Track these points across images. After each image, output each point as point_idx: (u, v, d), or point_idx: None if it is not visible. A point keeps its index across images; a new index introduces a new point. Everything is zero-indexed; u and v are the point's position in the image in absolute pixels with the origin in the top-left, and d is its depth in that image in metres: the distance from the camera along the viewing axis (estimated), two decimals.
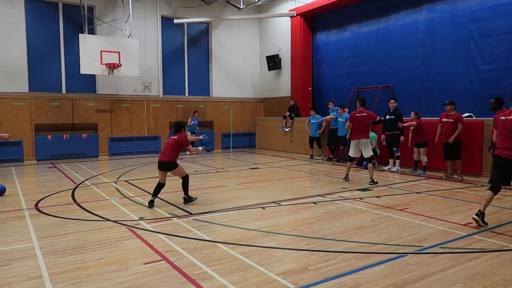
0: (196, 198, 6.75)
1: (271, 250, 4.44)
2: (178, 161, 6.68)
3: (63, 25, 13.83)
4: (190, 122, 14.67)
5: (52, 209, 6.39)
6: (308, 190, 8.12)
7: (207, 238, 4.85)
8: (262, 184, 8.69)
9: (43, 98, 13.26)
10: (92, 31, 13.84)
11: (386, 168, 10.58)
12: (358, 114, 8.68)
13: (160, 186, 6.57)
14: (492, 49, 10.01)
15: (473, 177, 9.16)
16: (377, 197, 7.19)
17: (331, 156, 12.85)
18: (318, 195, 7.34)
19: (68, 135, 13.61)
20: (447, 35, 11.03)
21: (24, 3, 12.92)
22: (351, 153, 8.86)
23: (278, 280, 3.62)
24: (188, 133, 14.38)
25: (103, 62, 12.84)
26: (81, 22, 13.35)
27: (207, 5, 15.98)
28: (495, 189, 5.32)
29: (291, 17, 15.68)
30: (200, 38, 16.77)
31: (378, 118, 9.09)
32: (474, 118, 9.80)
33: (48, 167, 11.57)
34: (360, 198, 7.09)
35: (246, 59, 17.54)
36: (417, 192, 7.61)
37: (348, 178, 8.85)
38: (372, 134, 10.44)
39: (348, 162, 9.00)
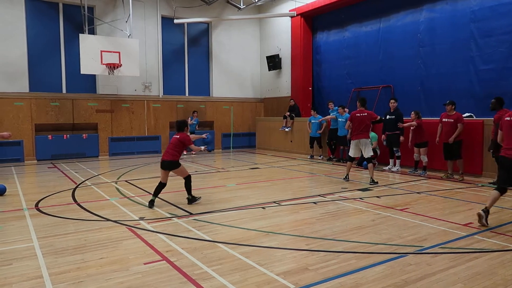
0: (200, 198, 6.75)
1: (271, 250, 4.44)
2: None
3: (63, 25, 13.83)
4: (190, 122, 14.67)
5: (52, 209, 6.39)
6: (308, 190, 8.12)
7: (207, 238, 4.85)
8: (262, 184, 8.69)
9: (43, 98, 13.26)
10: (92, 31, 13.85)
11: (387, 168, 10.58)
12: (359, 114, 8.68)
13: (161, 185, 6.57)
14: (492, 49, 10.01)
15: (473, 177, 9.16)
16: (377, 197, 7.19)
17: (331, 156, 12.85)
18: (318, 195, 7.34)
19: (68, 135, 13.62)
20: (447, 35, 11.03)
21: (24, 3, 12.92)
22: (351, 153, 8.86)
23: (278, 280, 3.62)
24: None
25: (103, 62, 12.85)
26: (81, 22, 13.36)
27: (207, 5, 15.98)
28: (501, 190, 5.33)
29: (291, 17, 15.68)
30: (200, 38, 16.77)
31: (379, 117, 9.08)
32: (475, 118, 9.80)
33: (48, 167, 11.58)
34: (360, 198, 7.09)
35: (246, 59, 17.54)
36: (418, 192, 7.61)
37: (348, 178, 8.85)
38: (372, 134, 10.44)
39: (348, 162, 8.99)
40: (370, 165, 8.64)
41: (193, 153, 14.58)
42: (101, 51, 12.82)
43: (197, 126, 15.01)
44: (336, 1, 13.69)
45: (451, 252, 4.34)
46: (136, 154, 14.69)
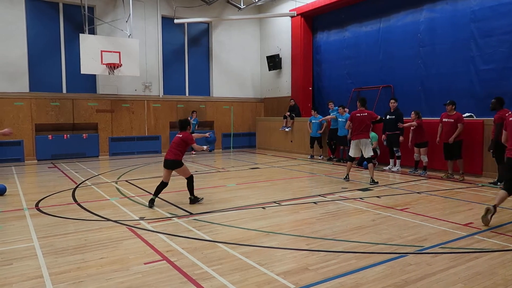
0: (202, 198, 6.74)
1: (271, 250, 4.44)
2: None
3: (63, 25, 13.84)
4: (192, 121, 14.67)
5: (52, 209, 6.39)
6: (308, 190, 8.12)
7: (208, 238, 4.85)
8: (263, 184, 8.69)
9: (43, 98, 13.27)
10: (92, 31, 13.85)
11: (387, 168, 10.57)
12: (359, 114, 8.68)
13: (163, 185, 6.56)
14: (493, 49, 10.01)
15: (473, 177, 9.16)
16: (377, 197, 7.19)
17: (331, 156, 12.85)
18: (319, 195, 7.34)
19: (68, 135, 13.62)
20: (448, 35, 11.02)
21: (24, 3, 12.92)
22: (352, 153, 8.85)
23: (279, 280, 3.62)
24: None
25: (103, 62, 12.85)
26: (81, 22, 13.36)
27: (208, 5, 15.98)
28: (508, 190, 5.33)
29: (292, 17, 15.68)
30: (201, 38, 16.77)
31: (379, 117, 9.08)
32: (475, 118, 9.80)
33: (48, 167, 11.58)
34: (360, 198, 7.08)
35: (247, 59, 17.54)
36: (418, 192, 7.60)
37: (348, 178, 8.85)
38: (372, 134, 10.44)
39: (348, 162, 8.99)
40: (370, 165, 8.64)
41: (193, 153, 14.58)
42: (101, 51, 12.83)
43: (196, 126, 15.01)
44: (336, 1, 13.69)
45: (451, 252, 4.34)
46: (136, 154, 14.69)
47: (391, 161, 10.56)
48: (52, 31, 13.68)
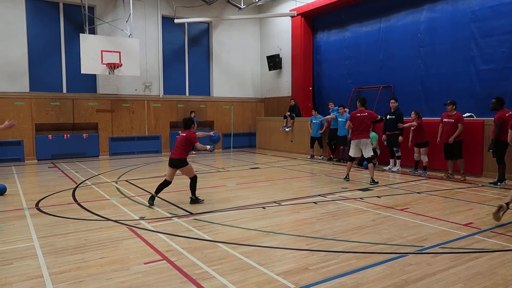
0: (202, 200, 6.73)
1: (271, 250, 4.44)
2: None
3: (63, 25, 13.84)
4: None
5: (52, 208, 6.39)
6: (308, 190, 8.12)
7: (208, 238, 4.85)
8: (263, 184, 8.69)
9: (43, 97, 13.27)
10: (92, 31, 13.85)
11: (387, 168, 10.57)
12: (359, 114, 8.68)
13: (165, 183, 6.56)
14: (493, 49, 10.00)
15: (474, 177, 9.15)
16: (377, 197, 7.19)
17: (331, 156, 12.85)
18: (319, 195, 7.34)
19: (68, 135, 13.62)
20: (448, 35, 11.02)
21: (25, 3, 12.92)
22: (352, 153, 8.85)
23: (279, 280, 3.62)
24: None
25: (103, 62, 12.85)
26: (81, 22, 13.37)
27: (208, 5, 15.98)
28: None
29: (292, 17, 15.68)
30: (201, 38, 16.77)
31: (379, 117, 9.07)
32: (475, 118, 9.79)
33: (48, 167, 11.58)
34: (360, 198, 7.08)
35: (247, 59, 17.54)
36: (418, 192, 7.60)
37: (348, 178, 8.85)
38: (372, 134, 10.43)
39: (348, 162, 8.99)
40: (370, 165, 8.63)
41: (193, 152, 14.57)
42: (102, 51, 12.83)
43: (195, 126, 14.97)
44: (336, 1, 13.68)
45: (452, 252, 4.34)
46: (136, 154, 14.70)
47: (391, 161, 10.56)
48: (52, 31, 13.68)
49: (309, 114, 15.05)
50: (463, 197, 7.20)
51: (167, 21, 15.49)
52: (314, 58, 15.81)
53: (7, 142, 12.65)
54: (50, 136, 13.30)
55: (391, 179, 9.20)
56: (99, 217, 5.83)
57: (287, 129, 15.08)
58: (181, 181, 7.78)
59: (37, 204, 6.68)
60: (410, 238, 4.82)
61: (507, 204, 5.30)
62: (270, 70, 16.86)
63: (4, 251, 4.42)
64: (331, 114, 12.71)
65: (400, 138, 9.99)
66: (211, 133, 7.48)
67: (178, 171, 6.59)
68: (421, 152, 9.68)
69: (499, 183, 8.17)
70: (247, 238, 4.85)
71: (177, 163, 6.50)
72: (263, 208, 6.38)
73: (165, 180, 6.58)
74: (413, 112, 9.79)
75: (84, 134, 13.86)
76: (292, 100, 15.21)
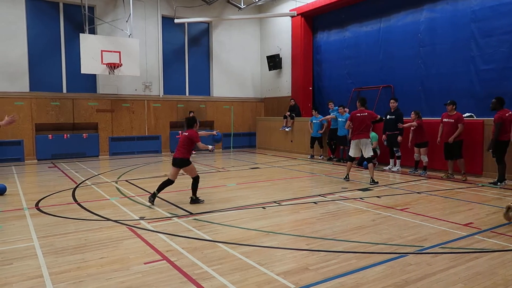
0: (203, 201, 6.73)
1: (271, 250, 4.44)
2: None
3: (63, 24, 13.84)
4: None
5: (52, 208, 6.39)
6: (308, 190, 8.11)
7: (208, 237, 4.85)
8: (263, 184, 8.69)
9: (43, 97, 13.27)
10: (92, 31, 13.85)
11: (387, 168, 10.57)
12: (359, 114, 8.67)
13: (168, 182, 6.58)
14: (493, 49, 10.00)
15: (474, 177, 9.15)
16: (377, 197, 7.19)
17: (331, 156, 12.85)
18: (319, 195, 7.34)
19: (68, 135, 13.62)
20: (448, 35, 11.02)
21: (25, 3, 12.92)
22: (352, 153, 8.85)
23: (279, 280, 3.62)
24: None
25: (103, 62, 12.85)
26: (81, 21, 13.36)
27: (208, 5, 15.98)
28: None
29: (292, 17, 15.68)
30: (201, 38, 16.77)
31: (379, 117, 9.07)
32: (475, 118, 9.79)
33: (48, 167, 11.58)
34: (360, 198, 7.08)
35: (247, 59, 17.54)
36: (418, 192, 7.60)
37: (348, 178, 8.85)
38: (372, 134, 10.43)
39: (348, 162, 8.99)
40: (370, 165, 8.63)
41: (193, 152, 14.55)
42: (102, 51, 12.82)
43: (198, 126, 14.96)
44: (336, 1, 13.68)
45: (452, 252, 4.34)
46: (136, 154, 14.69)
47: (391, 161, 10.56)
48: (52, 30, 13.68)
49: (309, 114, 15.05)
50: (463, 197, 7.20)
51: (167, 21, 15.49)
52: (314, 58, 15.81)
53: (7, 142, 12.65)
54: (50, 136, 13.30)
55: (391, 179, 9.20)
56: (99, 217, 5.83)
57: (287, 129, 15.08)
58: (181, 181, 7.77)
59: (37, 204, 6.68)
60: (410, 238, 4.82)
61: None
62: (270, 70, 16.86)
63: (4, 251, 4.42)
64: (331, 114, 12.71)
65: (399, 138, 9.99)
66: (214, 132, 7.48)
67: (181, 171, 6.60)
68: (421, 152, 9.67)
69: (499, 183, 8.18)
70: (247, 238, 4.85)
71: (180, 163, 6.52)
72: (263, 208, 6.38)
73: (168, 179, 6.60)
74: (412, 112, 9.79)
75: (84, 134, 13.86)
76: (292, 100, 15.21)
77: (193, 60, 16.56)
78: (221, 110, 16.89)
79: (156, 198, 6.59)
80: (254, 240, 4.77)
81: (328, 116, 12.84)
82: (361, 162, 10.59)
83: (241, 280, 3.61)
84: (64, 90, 13.90)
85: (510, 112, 8.09)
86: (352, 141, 8.97)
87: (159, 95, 15.42)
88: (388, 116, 10.27)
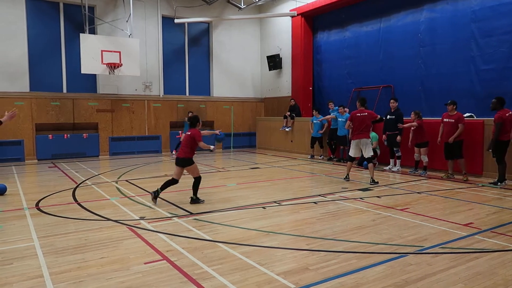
0: (203, 201, 6.73)
1: (271, 250, 4.44)
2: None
3: (64, 24, 13.84)
4: (186, 121, 14.58)
5: (53, 208, 6.39)
6: (308, 190, 8.11)
7: (208, 237, 4.85)
8: (263, 184, 8.69)
9: (44, 97, 13.27)
10: (93, 31, 13.85)
11: (387, 168, 10.57)
12: (359, 114, 8.67)
13: (172, 181, 6.61)
14: (493, 49, 10.00)
15: (474, 177, 9.15)
16: (377, 197, 7.19)
17: (331, 156, 12.85)
18: (319, 195, 7.34)
19: (68, 135, 13.62)
20: (448, 35, 11.02)
21: (25, 3, 12.93)
22: (352, 153, 8.85)
23: (279, 280, 3.62)
24: (183, 135, 14.34)
25: (104, 62, 12.85)
26: (82, 21, 13.37)
27: (208, 5, 15.98)
28: None
29: (292, 17, 15.68)
30: (201, 38, 16.78)
31: (379, 116, 9.07)
32: (475, 118, 9.79)
33: (49, 167, 11.58)
34: (360, 198, 7.08)
35: (247, 59, 17.54)
36: (418, 192, 7.60)
37: (348, 178, 8.85)
38: (372, 134, 10.43)
39: (348, 162, 8.99)
40: (370, 165, 8.63)
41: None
42: (102, 51, 12.83)
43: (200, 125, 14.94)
44: (336, 1, 13.68)
45: (452, 252, 4.34)
46: (136, 154, 14.70)
47: (391, 161, 10.56)
48: (52, 30, 13.68)
49: (309, 114, 15.06)
50: (463, 197, 7.20)
51: (167, 21, 15.49)
52: (314, 58, 15.81)
53: (8, 142, 12.65)
54: (50, 136, 13.30)
55: (391, 179, 9.20)
56: (99, 217, 5.83)
57: (287, 129, 15.08)
58: (181, 181, 7.75)
59: (37, 204, 6.68)
60: (410, 238, 4.82)
61: None
62: (270, 70, 16.86)
63: (4, 251, 4.42)
64: (331, 114, 12.71)
65: (398, 138, 9.99)
66: (217, 131, 7.48)
67: (185, 170, 6.62)
68: (421, 152, 9.67)
69: (499, 183, 8.17)
70: (247, 238, 4.85)
71: (183, 162, 6.54)
72: (263, 208, 6.38)
73: (173, 178, 6.63)
74: (412, 113, 9.79)
75: (84, 134, 13.86)
76: (292, 100, 15.21)
77: (193, 60, 16.56)
78: (221, 110, 16.89)
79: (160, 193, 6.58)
80: (254, 240, 4.77)
81: (328, 116, 12.84)
82: (361, 162, 10.59)
83: (241, 280, 3.61)
84: (64, 90, 13.90)
85: (510, 112, 8.09)
86: (352, 141, 8.97)
87: (159, 95, 15.42)
88: (388, 116, 10.26)
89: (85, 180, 9.09)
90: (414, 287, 3.48)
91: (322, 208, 6.34)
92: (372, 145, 9.91)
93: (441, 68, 11.21)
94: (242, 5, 15.73)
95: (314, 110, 13.54)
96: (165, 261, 4.08)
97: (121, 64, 13.08)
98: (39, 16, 13.44)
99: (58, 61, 13.80)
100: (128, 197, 7.23)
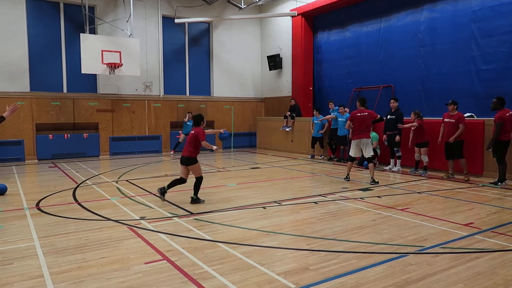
0: (203, 201, 6.73)
1: (272, 249, 4.44)
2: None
3: (64, 24, 13.85)
4: (186, 121, 14.55)
5: (53, 208, 6.39)
6: (309, 190, 8.11)
7: (208, 237, 4.85)
8: (263, 184, 8.69)
9: (44, 97, 13.27)
10: (93, 31, 13.85)
11: (387, 168, 10.57)
12: (359, 114, 8.67)
13: (180, 180, 6.68)
14: (493, 49, 10.00)
15: (474, 177, 9.14)
16: (378, 197, 7.18)
17: (332, 156, 12.85)
18: (319, 195, 7.34)
19: (69, 135, 13.62)
20: (448, 35, 11.02)
21: (25, 2, 12.93)
22: (352, 153, 8.85)
23: (279, 279, 3.62)
24: (182, 136, 14.37)
25: (104, 62, 12.85)
26: (82, 21, 13.37)
27: (208, 4, 15.98)
28: None
29: (292, 16, 15.68)
30: (201, 38, 16.78)
31: (379, 116, 9.07)
32: (475, 118, 9.79)
33: (49, 167, 11.58)
34: (361, 198, 7.08)
35: (247, 58, 17.54)
36: (418, 192, 7.60)
37: (349, 178, 8.85)
38: (373, 134, 10.43)
39: (349, 162, 8.99)
40: (370, 165, 8.63)
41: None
42: (102, 51, 12.83)
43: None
44: (336, 1, 13.68)
45: (452, 252, 4.34)
46: (136, 154, 14.70)
47: (392, 161, 10.56)
48: (52, 30, 13.69)
49: (309, 114, 15.06)
50: (463, 197, 7.20)
51: (167, 21, 15.50)
52: (314, 58, 15.81)
53: (8, 142, 12.66)
54: (50, 136, 13.30)
55: (391, 179, 9.20)
56: (99, 217, 5.83)
57: (287, 129, 15.08)
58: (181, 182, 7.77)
59: (37, 204, 6.68)
60: (411, 238, 4.82)
61: None
62: (270, 70, 16.86)
63: (5, 250, 4.43)
64: (332, 114, 12.71)
65: (397, 137, 9.98)
66: (222, 130, 7.50)
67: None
68: (422, 152, 9.67)
69: (499, 183, 8.17)
70: (247, 238, 4.85)
71: (186, 161, 6.58)
72: (264, 208, 6.38)
73: (181, 177, 6.70)
74: (412, 113, 9.78)
75: (85, 134, 13.86)
76: (293, 100, 15.21)
77: (194, 60, 16.57)
78: (222, 110, 16.90)
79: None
80: (255, 240, 4.78)
81: (328, 116, 12.84)
82: (362, 162, 10.59)
83: (242, 280, 3.61)
84: (65, 90, 13.90)
85: (511, 112, 8.09)
86: (352, 141, 8.96)
87: (159, 95, 15.43)
88: (388, 116, 10.26)
89: (86, 180, 9.09)
90: (415, 287, 3.48)
91: (322, 208, 6.34)
92: (373, 145, 9.90)
93: (442, 68, 11.21)
94: (243, 5, 15.73)
95: (314, 110, 13.53)
96: (165, 261, 4.08)
97: (122, 64, 13.09)
98: (39, 16, 13.44)
99: (58, 61, 13.81)
100: (129, 197, 7.23)
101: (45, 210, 6.25)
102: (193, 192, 6.68)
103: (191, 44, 16.49)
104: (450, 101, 9.07)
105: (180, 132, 14.90)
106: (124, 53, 13.18)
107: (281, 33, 16.54)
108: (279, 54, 16.51)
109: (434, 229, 5.17)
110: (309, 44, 15.65)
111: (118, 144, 14.49)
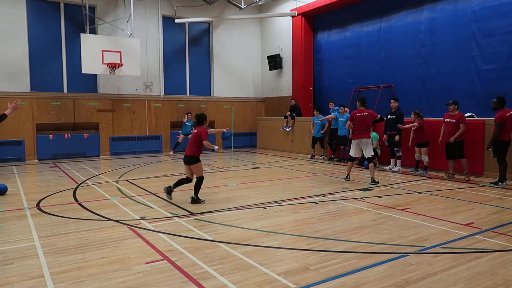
0: (203, 201, 6.73)
1: (272, 249, 4.44)
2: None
3: (64, 24, 13.86)
4: (185, 121, 14.54)
5: (53, 208, 6.39)
6: (309, 190, 8.11)
7: (208, 237, 4.85)
8: (263, 184, 8.69)
9: (44, 97, 13.28)
10: (93, 31, 13.85)
11: (387, 168, 10.57)
12: (359, 114, 8.67)
13: (186, 179, 6.70)
14: (494, 49, 9.99)
15: (475, 177, 9.14)
16: (378, 197, 7.18)
17: (332, 156, 12.84)
18: (319, 195, 7.34)
19: (69, 135, 13.63)
20: (449, 35, 11.01)
21: (25, 2, 12.94)
22: (352, 153, 8.85)
23: (279, 279, 3.62)
24: (182, 136, 14.38)
25: (104, 62, 12.86)
26: (82, 21, 13.38)
27: (208, 4, 15.98)
28: None
29: (293, 16, 15.68)
30: (201, 38, 16.78)
31: (379, 116, 9.06)
32: (476, 118, 9.78)
33: (49, 167, 11.59)
34: (361, 198, 7.08)
35: (247, 58, 17.54)
36: (419, 192, 7.60)
37: (349, 178, 8.84)
38: (373, 134, 10.43)
39: (349, 162, 8.99)
40: (371, 165, 8.63)
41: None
42: (102, 51, 12.84)
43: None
44: (337, 1, 13.68)
45: (452, 252, 4.34)
46: (137, 154, 14.70)
47: (392, 161, 10.55)
48: (53, 30, 13.69)
49: (309, 114, 15.06)
50: (464, 197, 7.20)
51: (167, 21, 15.50)
52: (314, 58, 15.81)
53: (8, 142, 12.66)
54: (51, 136, 13.30)
55: (391, 179, 9.19)
56: (100, 217, 5.83)
57: (287, 129, 15.08)
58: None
59: (38, 204, 6.68)
60: (411, 238, 4.81)
61: None
62: (270, 70, 16.86)
63: (5, 250, 4.43)
64: (332, 114, 12.71)
65: (397, 137, 9.98)
66: (224, 130, 7.50)
67: None
68: (422, 152, 9.67)
69: (500, 183, 8.17)
70: (247, 238, 4.85)
71: (188, 160, 6.59)
72: (264, 208, 6.38)
73: (186, 176, 6.71)
74: (412, 113, 9.78)
75: (85, 134, 13.87)
76: (293, 100, 15.21)
77: (194, 60, 16.57)
78: (222, 110, 16.90)
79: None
80: (255, 240, 4.77)
81: (328, 116, 12.85)
82: (362, 162, 10.59)
83: (242, 280, 3.61)
84: (65, 90, 13.91)
85: (511, 112, 8.08)
86: (352, 141, 8.96)
87: (159, 95, 15.43)
88: (388, 116, 10.26)
89: (86, 180, 9.09)
90: (415, 287, 3.48)
91: (322, 208, 6.34)
92: (373, 145, 9.90)
93: (442, 68, 11.20)
94: (243, 5, 15.73)
95: (315, 110, 13.53)
96: (165, 261, 4.08)
97: (122, 64, 13.09)
98: (40, 16, 13.45)
99: (58, 61, 13.81)
100: (129, 197, 7.23)
101: (45, 210, 6.25)
102: (193, 192, 6.68)
103: (191, 44, 16.49)
104: (451, 101, 9.06)
105: (180, 132, 14.90)
106: (124, 53, 13.18)
107: (281, 33, 16.54)
108: (279, 54, 16.51)
109: (434, 229, 5.17)
110: (309, 44, 15.65)
111: (119, 144, 14.49)
